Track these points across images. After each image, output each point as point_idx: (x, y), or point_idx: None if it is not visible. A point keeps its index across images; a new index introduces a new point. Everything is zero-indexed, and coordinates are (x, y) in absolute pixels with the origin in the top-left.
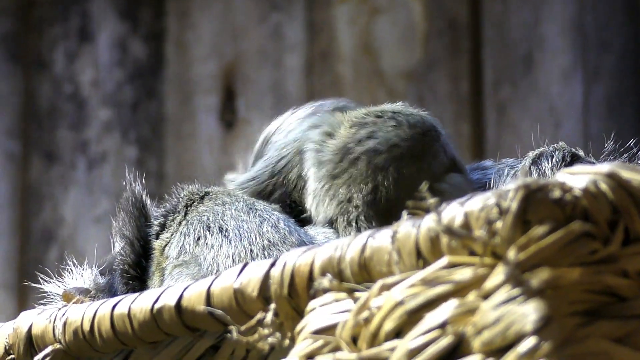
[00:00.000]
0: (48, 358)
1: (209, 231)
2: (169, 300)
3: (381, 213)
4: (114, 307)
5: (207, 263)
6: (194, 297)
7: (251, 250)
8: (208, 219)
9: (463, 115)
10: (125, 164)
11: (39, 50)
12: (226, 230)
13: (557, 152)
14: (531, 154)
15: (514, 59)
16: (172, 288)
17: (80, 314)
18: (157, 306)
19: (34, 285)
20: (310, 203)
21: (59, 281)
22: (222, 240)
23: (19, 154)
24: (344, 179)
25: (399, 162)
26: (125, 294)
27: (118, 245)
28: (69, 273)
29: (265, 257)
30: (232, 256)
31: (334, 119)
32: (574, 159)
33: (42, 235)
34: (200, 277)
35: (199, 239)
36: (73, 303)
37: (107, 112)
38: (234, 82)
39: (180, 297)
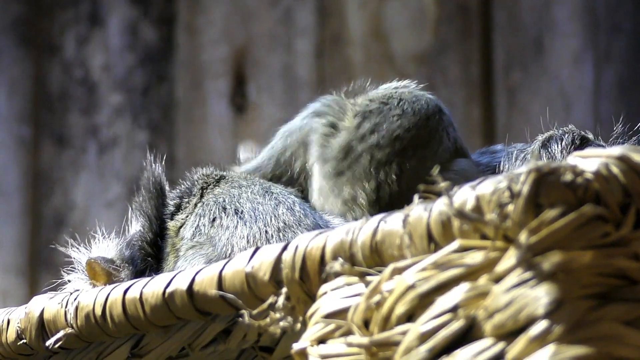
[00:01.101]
0: (60, 342)
1: (225, 212)
2: (180, 284)
3: (386, 209)
4: (125, 291)
5: (222, 244)
6: (206, 281)
7: (266, 232)
8: (224, 201)
9: (473, 99)
10: (135, 149)
11: (50, 35)
12: (242, 212)
13: (566, 135)
14: (540, 137)
15: (525, 43)
16: (183, 272)
17: (92, 298)
18: (169, 290)
19: (60, 248)
20: (315, 199)
21: (86, 249)
22: (238, 221)
23: (29, 139)
24: (347, 176)
25: (402, 156)
26: (143, 270)
27: (137, 223)
28: (97, 242)
29: (280, 239)
30: (247, 237)
31: (338, 107)
32: (583, 142)
33: (53, 220)
34: (215, 258)
35: (214, 220)
36: (93, 282)
37: (117, 97)
38: (245, 67)
39: (192, 281)
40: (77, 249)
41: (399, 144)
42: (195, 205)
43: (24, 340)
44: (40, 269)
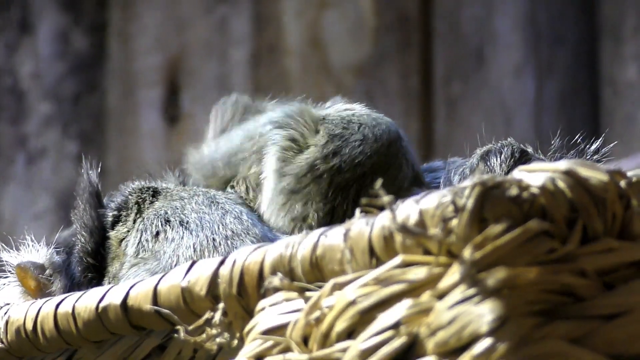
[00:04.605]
0: None
1: (169, 225)
2: (114, 298)
3: None
4: (57, 305)
5: (167, 256)
6: (141, 295)
7: (214, 240)
8: (166, 213)
9: (412, 111)
10: (65, 160)
11: None
12: (187, 222)
13: (505, 149)
14: (479, 151)
15: (465, 54)
16: (117, 286)
17: (23, 312)
18: (102, 305)
19: None
20: (264, 210)
21: (17, 253)
22: (183, 232)
23: None
24: (302, 194)
25: (361, 181)
26: (82, 279)
27: (77, 227)
28: (26, 247)
29: (228, 247)
30: (193, 246)
31: (302, 120)
32: (522, 155)
33: None
34: (159, 272)
35: (157, 234)
36: (24, 286)
37: (47, 106)
38: (178, 76)
39: (126, 295)
40: (8, 251)
41: (359, 170)
42: (135, 221)
43: None
44: None
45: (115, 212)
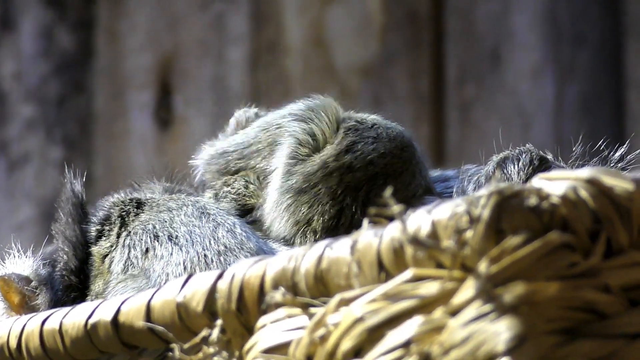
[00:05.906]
0: None
1: (158, 241)
2: (104, 315)
3: None
4: (43, 322)
5: (156, 274)
6: (133, 311)
7: (205, 256)
8: (154, 227)
9: (423, 116)
10: (49, 166)
11: None
12: (176, 237)
13: (524, 155)
14: (495, 158)
15: (480, 54)
16: (108, 302)
17: (7, 329)
18: (91, 321)
19: None
20: (267, 212)
21: (1, 264)
22: (172, 248)
23: None
24: (309, 195)
25: (372, 183)
26: (64, 296)
27: (55, 244)
28: (11, 258)
29: (221, 263)
30: (184, 263)
31: (326, 119)
32: (542, 163)
33: None
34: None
35: (147, 250)
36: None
37: (30, 108)
38: (171, 77)
39: (117, 311)
40: None
41: (371, 169)
42: (118, 235)
43: None
44: None
45: (99, 227)
